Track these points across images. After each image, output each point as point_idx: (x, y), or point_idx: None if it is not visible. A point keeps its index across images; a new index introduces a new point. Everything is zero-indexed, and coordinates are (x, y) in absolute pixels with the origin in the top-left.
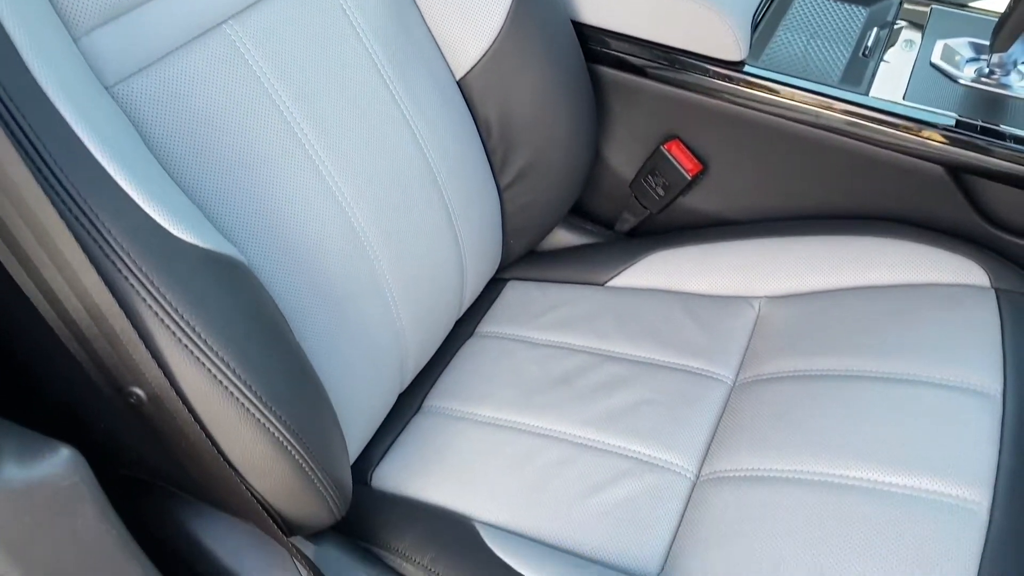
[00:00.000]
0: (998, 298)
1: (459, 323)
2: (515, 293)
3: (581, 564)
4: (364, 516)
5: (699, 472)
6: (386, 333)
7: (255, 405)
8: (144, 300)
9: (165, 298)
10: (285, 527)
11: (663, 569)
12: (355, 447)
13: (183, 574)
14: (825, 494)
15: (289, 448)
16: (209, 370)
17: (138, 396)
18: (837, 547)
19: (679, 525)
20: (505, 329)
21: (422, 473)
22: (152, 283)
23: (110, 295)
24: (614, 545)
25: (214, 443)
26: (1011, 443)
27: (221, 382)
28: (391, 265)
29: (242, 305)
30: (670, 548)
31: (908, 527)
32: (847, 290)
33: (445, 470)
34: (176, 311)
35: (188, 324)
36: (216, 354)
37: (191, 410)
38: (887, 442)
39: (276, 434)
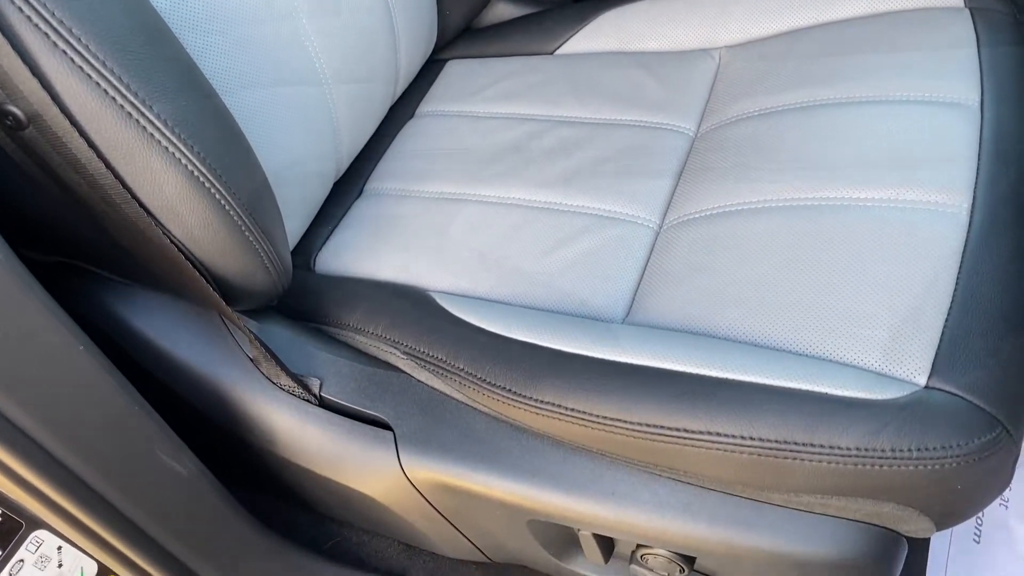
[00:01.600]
0: (972, 16)
1: (396, 106)
2: (456, 71)
3: (544, 316)
4: (310, 299)
5: (663, 222)
6: (313, 96)
7: (156, 126)
8: None
9: None
10: (222, 295)
11: (629, 311)
12: (293, 229)
13: (115, 359)
14: (799, 217)
15: (204, 181)
16: (98, 84)
17: (15, 116)
18: (815, 263)
19: (644, 271)
20: (447, 107)
21: (369, 253)
22: None
23: None
24: (577, 296)
25: (117, 177)
26: (990, 149)
27: (115, 99)
28: (312, 19)
29: (123, 8)
30: (635, 292)
31: (889, 235)
32: (812, 28)
33: (393, 247)
34: (44, 5)
35: (61, 23)
36: (101, 61)
37: (82, 133)
38: (862, 160)
39: (186, 163)
